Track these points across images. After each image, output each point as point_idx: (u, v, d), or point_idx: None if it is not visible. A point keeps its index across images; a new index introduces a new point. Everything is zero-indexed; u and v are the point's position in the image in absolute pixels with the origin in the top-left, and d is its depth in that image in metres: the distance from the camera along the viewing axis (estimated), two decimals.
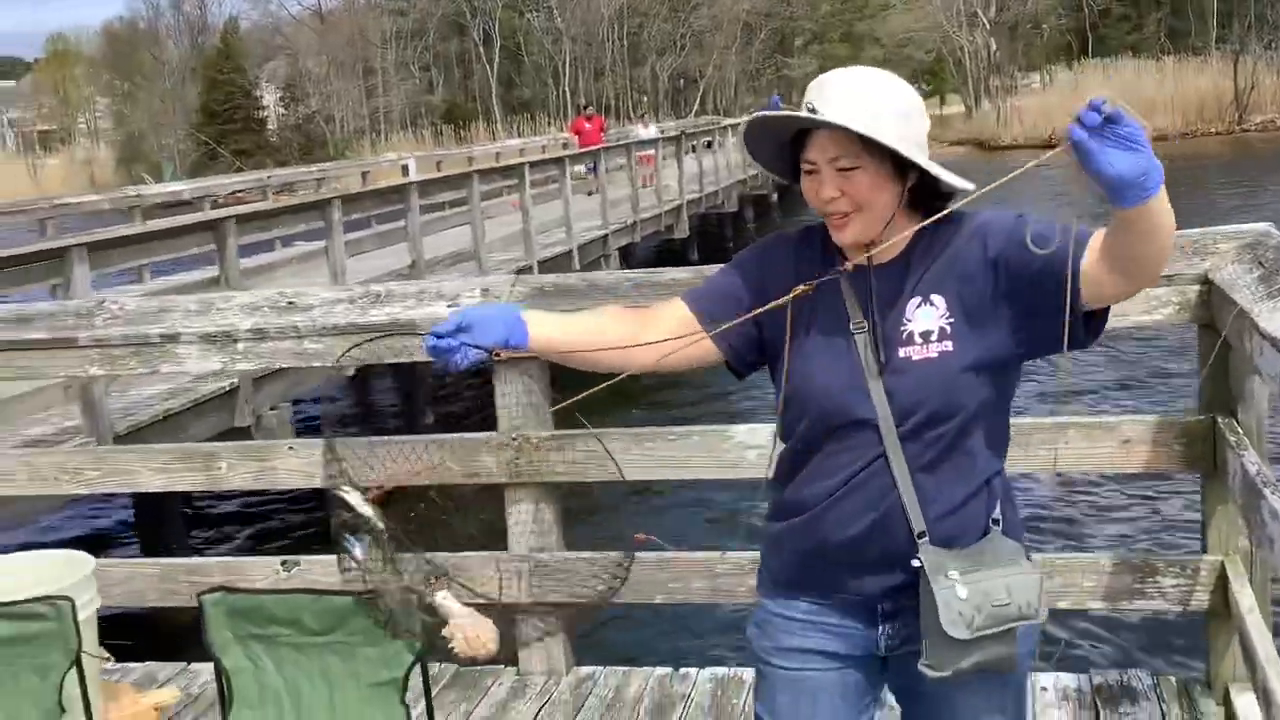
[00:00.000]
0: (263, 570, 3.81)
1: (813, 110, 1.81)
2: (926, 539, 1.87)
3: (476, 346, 1.85)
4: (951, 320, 1.85)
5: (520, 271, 10.50)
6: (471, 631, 2.56)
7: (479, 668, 3.78)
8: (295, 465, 3.77)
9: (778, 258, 1.99)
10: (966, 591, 1.84)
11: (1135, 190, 1.60)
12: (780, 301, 1.85)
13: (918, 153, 1.82)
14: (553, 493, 3.68)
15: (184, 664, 3.91)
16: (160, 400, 7.84)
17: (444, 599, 2.60)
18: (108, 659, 2.78)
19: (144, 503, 8.00)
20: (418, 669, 2.45)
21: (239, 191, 19.11)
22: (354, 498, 2.28)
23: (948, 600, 1.84)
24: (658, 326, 2.00)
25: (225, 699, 2.52)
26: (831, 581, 1.96)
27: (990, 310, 1.85)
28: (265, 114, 57.87)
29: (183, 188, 15.13)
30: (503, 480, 3.64)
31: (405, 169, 21.59)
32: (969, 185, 1.85)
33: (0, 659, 2.57)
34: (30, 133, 68.16)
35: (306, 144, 54.98)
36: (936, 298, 1.86)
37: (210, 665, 2.56)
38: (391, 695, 2.45)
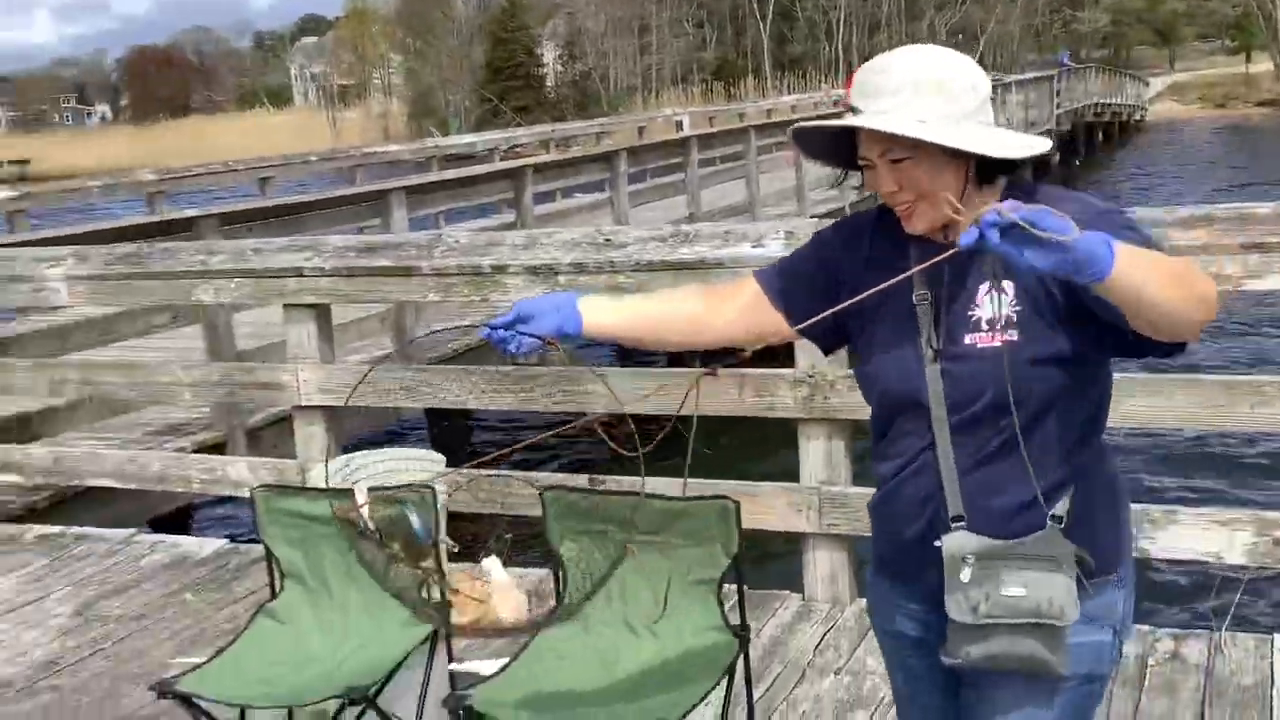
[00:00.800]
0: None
1: (854, 110, 1.80)
2: (963, 524, 1.82)
3: (532, 335, 1.97)
4: (1019, 309, 1.77)
5: None
6: (513, 599, 2.84)
7: (765, 591, 4.01)
8: (604, 392, 4.07)
9: (853, 236, 1.97)
10: (970, 574, 1.79)
11: (1079, 275, 1.53)
12: (857, 300, 1.79)
13: (967, 133, 1.76)
14: (844, 429, 3.83)
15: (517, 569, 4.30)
16: (461, 332, 8.41)
17: (491, 564, 2.88)
18: (454, 547, 3.13)
19: (439, 423, 8.61)
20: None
21: (518, 146, 19.93)
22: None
23: (953, 582, 1.81)
24: (730, 304, 2.04)
25: (559, 585, 2.82)
26: (903, 566, 1.95)
27: (1057, 305, 1.76)
28: (544, 71, 59.77)
29: (475, 139, 15.98)
30: (798, 415, 3.83)
31: (679, 124, 21.98)
32: (1034, 149, 1.78)
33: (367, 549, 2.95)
34: (331, 87, 72.79)
35: (582, 100, 56.52)
36: (1008, 283, 1.78)
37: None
38: (709, 594, 2.68)
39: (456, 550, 3.12)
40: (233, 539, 5.25)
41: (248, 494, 4.83)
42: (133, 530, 5.11)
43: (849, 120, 1.81)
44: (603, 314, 2.03)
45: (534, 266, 4.06)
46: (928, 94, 1.77)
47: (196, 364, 5.10)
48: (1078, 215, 1.61)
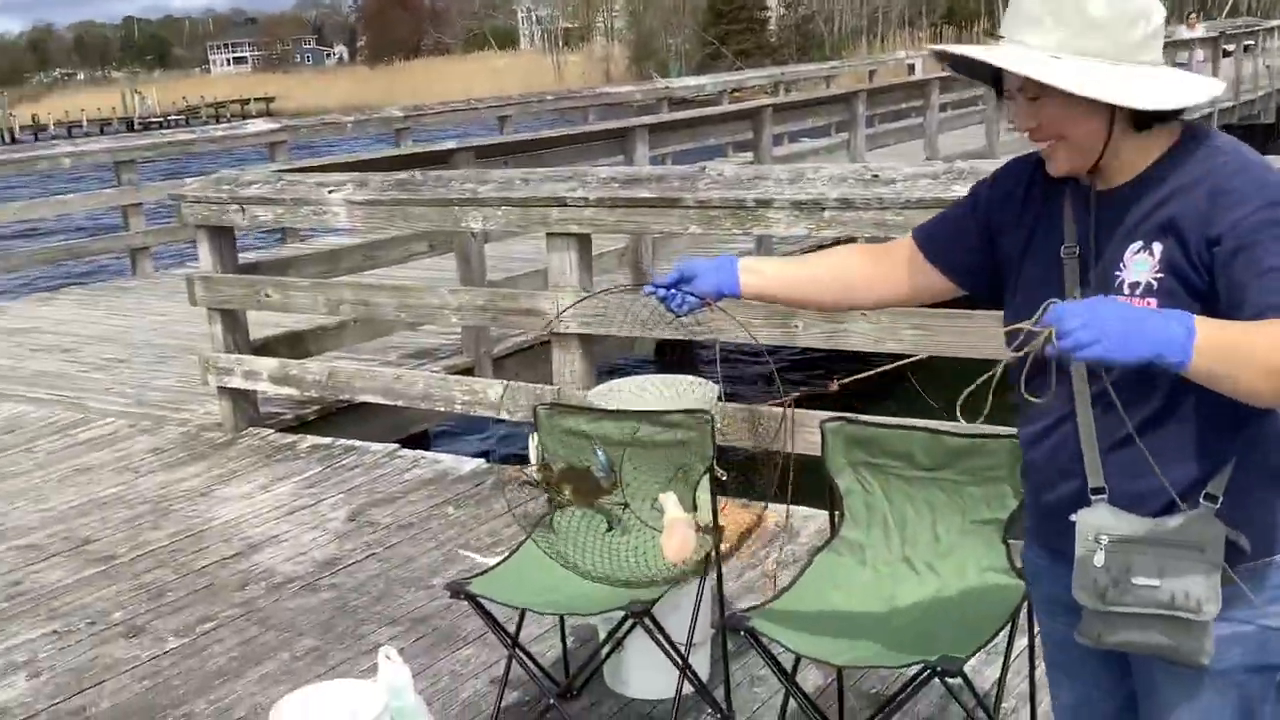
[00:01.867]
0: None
1: (997, 37, 1.70)
2: (1104, 497, 1.71)
3: (693, 294, 2.05)
4: (1160, 275, 1.65)
5: None
6: (678, 538, 2.78)
7: None
8: (866, 329, 4.03)
9: (1011, 183, 1.87)
10: (1103, 559, 1.68)
11: (1158, 365, 1.47)
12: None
13: (1098, 76, 1.61)
14: None
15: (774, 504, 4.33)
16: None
17: (667, 499, 2.82)
18: (723, 475, 3.17)
19: (670, 357, 8.70)
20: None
21: (737, 91, 19.75)
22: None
23: (1084, 563, 1.70)
24: (887, 263, 2.03)
25: (835, 517, 2.82)
26: (1047, 534, 1.86)
27: (1200, 282, 1.63)
28: (767, 14, 59.05)
29: (705, 81, 15.94)
30: None
31: (911, 68, 21.36)
32: (1191, 97, 1.63)
33: (653, 455, 3.02)
34: (556, 30, 73.85)
35: (804, 44, 55.62)
36: (1157, 245, 1.65)
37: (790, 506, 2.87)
38: (993, 534, 2.64)
39: (725, 479, 3.16)
40: (486, 458, 5.48)
41: (503, 416, 5.04)
42: (394, 445, 5.37)
43: (967, 49, 1.71)
44: (761, 275, 2.08)
45: (799, 201, 4.03)
46: (1071, 24, 1.64)
47: (463, 288, 5.29)
48: (1240, 197, 1.57)
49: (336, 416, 5.90)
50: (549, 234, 4.62)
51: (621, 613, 2.79)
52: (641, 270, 7.72)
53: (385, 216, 5.03)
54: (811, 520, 4.09)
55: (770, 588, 3.77)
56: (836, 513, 2.82)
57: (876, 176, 3.99)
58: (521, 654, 3.03)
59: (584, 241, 4.61)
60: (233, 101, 69.19)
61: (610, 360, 7.82)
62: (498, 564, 3.04)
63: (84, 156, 10.32)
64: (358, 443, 5.39)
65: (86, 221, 16.88)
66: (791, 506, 4.25)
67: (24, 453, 5.60)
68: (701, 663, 3.19)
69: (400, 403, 5.16)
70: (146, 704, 3.31)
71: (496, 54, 76.14)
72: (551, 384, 4.74)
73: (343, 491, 4.86)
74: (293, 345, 5.87)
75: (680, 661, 2.92)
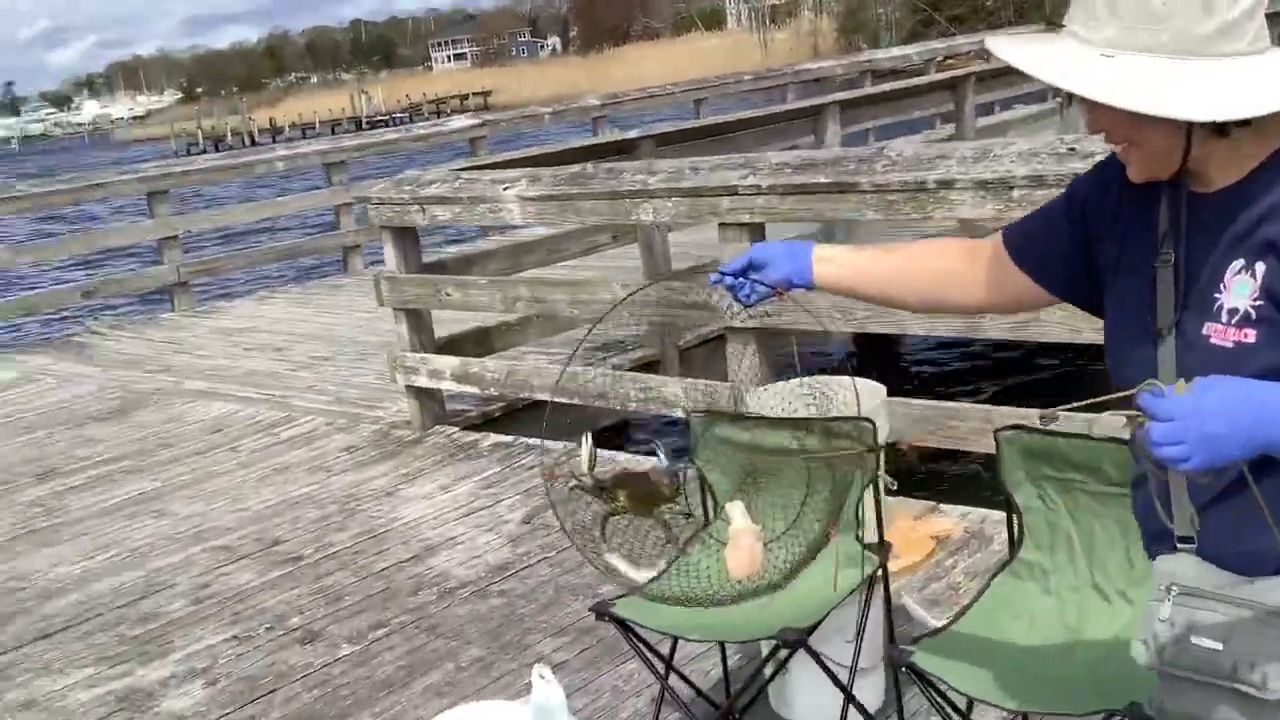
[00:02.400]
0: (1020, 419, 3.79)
1: (1059, 26, 1.49)
2: (1192, 547, 1.53)
3: (763, 283, 1.90)
4: (1259, 303, 1.42)
5: None
6: (744, 551, 2.45)
7: None
8: (1061, 317, 3.68)
9: (1106, 181, 1.64)
10: (1169, 611, 1.50)
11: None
12: None
13: (1145, 81, 1.37)
14: None
15: (964, 508, 4.06)
16: None
17: (734, 508, 2.54)
18: (892, 484, 2.93)
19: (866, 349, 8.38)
20: None
21: (949, 59, 18.98)
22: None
23: (1148, 615, 1.53)
24: (980, 264, 1.81)
25: (1015, 536, 2.54)
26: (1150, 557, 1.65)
27: None
28: None
29: (912, 50, 15.36)
30: None
31: None
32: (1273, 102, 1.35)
33: (808, 468, 2.81)
34: (762, 8, 73.21)
35: (1021, 6, 53.25)
36: (1260, 266, 1.41)
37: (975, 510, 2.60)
38: None
39: (894, 488, 2.91)
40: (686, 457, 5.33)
41: (679, 414, 4.90)
42: (576, 443, 5.29)
43: (999, 47, 1.49)
44: (837, 265, 1.91)
45: (985, 181, 3.71)
46: (1127, 16, 1.40)
47: (634, 283, 5.17)
48: None
49: (523, 413, 5.88)
50: (721, 224, 4.43)
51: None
52: None
53: (557, 211, 4.95)
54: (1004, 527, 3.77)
55: (956, 600, 3.50)
56: (1015, 531, 2.54)
57: (1073, 150, 3.63)
58: (677, 678, 2.87)
59: (757, 231, 4.40)
60: (452, 97, 71.58)
61: (797, 354, 7.56)
62: (648, 582, 2.88)
63: (296, 160, 10.72)
64: (538, 441, 5.34)
65: (320, 219, 17.67)
66: (983, 511, 3.96)
67: (229, 452, 5.80)
68: (874, 690, 2.95)
69: (576, 400, 5.07)
70: (313, 715, 3.31)
71: (704, 36, 76.12)
72: (727, 380, 4.56)
73: (520, 492, 4.81)
74: (478, 342, 5.88)
75: (844, 690, 2.70)
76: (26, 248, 10.79)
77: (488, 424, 5.80)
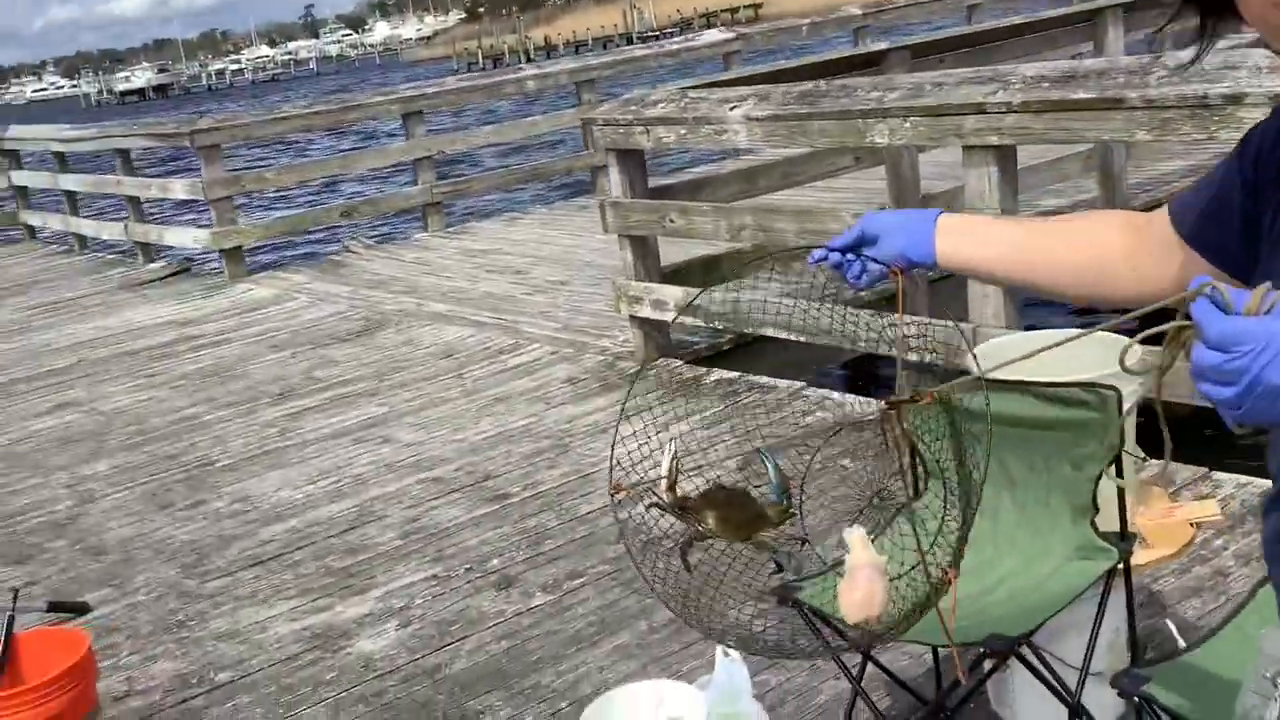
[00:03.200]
0: None
1: None
2: None
3: (876, 261, 1.60)
4: None
5: None
6: (866, 583, 1.84)
7: None
8: None
9: (1272, 135, 1.27)
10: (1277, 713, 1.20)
11: None
12: None
13: None
14: None
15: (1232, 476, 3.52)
16: (1178, 178, 7.26)
17: (854, 535, 1.93)
18: (1143, 459, 2.48)
19: None
20: None
21: None
22: None
23: (1243, 709, 1.26)
24: (1151, 235, 1.42)
25: None
26: None
27: None
28: None
29: None
30: None
31: None
32: None
33: (1036, 443, 2.39)
34: None
35: None
36: None
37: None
38: None
39: (1145, 462, 2.46)
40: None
41: (911, 358, 4.48)
42: (802, 383, 4.97)
43: None
44: (968, 241, 1.57)
45: None
46: None
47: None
48: None
49: (753, 348, 5.57)
50: (965, 147, 3.95)
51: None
52: (1112, 177, 6.68)
53: (785, 134, 4.57)
54: None
55: (1224, 589, 3.00)
56: None
57: None
58: (876, 667, 2.54)
59: (1006, 154, 3.90)
60: (722, 10, 70.81)
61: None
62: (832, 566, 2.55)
63: (546, 79, 10.64)
64: (765, 379, 5.04)
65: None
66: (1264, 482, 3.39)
67: (455, 379, 5.77)
68: (1107, 700, 2.53)
69: (802, 337, 4.72)
70: (498, 669, 3.17)
71: None
72: (968, 321, 4.11)
73: (739, 435, 4.51)
74: (707, 271, 5.59)
75: (1068, 704, 2.30)
76: (291, 168, 11.21)
77: (716, 358, 5.53)
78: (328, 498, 4.49)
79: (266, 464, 4.94)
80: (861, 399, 4.82)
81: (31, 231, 12.67)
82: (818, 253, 1.64)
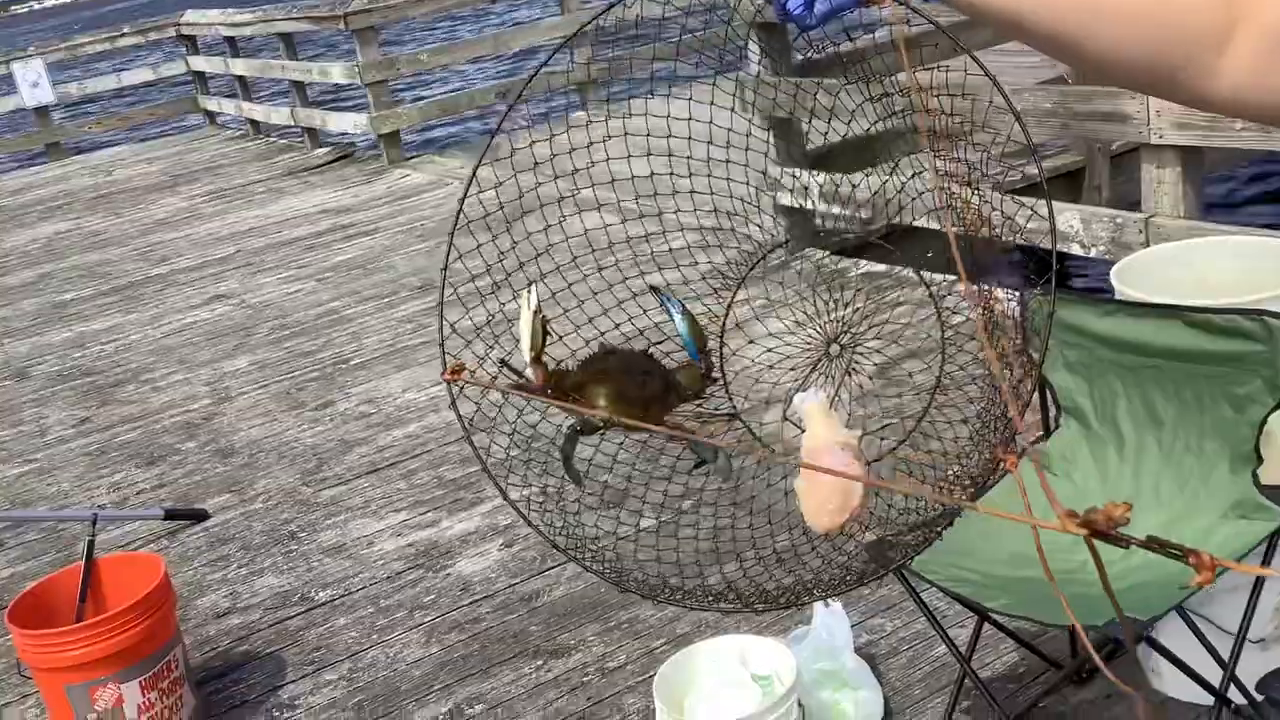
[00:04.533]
0: None
1: None
2: None
3: None
4: None
5: None
6: (834, 479, 1.22)
7: None
8: None
9: None
10: None
11: None
12: None
13: None
14: None
15: None
16: None
17: (811, 406, 1.32)
18: None
19: None
20: None
21: None
22: None
23: None
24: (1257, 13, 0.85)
25: None
26: None
27: None
28: None
29: None
30: None
31: None
32: None
33: (1189, 378, 2.01)
34: None
35: None
36: None
37: None
38: None
39: None
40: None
41: (1075, 250, 4.00)
42: (952, 277, 4.54)
43: None
44: None
45: None
46: None
47: (1029, 88, 4.22)
48: None
49: (906, 239, 5.14)
50: None
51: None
52: None
53: None
54: None
55: None
56: None
57: None
58: (995, 628, 2.24)
59: None
60: None
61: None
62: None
63: None
64: (911, 272, 4.63)
65: None
66: None
67: (594, 268, 5.54)
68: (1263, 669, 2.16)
69: (954, 229, 4.29)
70: (593, 602, 2.99)
71: None
72: (1139, 210, 3.62)
73: (880, 336, 4.16)
74: (858, 153, 5.16)
75: (1224, 668, 1.96)
76: (443, 49, 11.04)
77: (867, 248, 5.13)
78: (449, 401, 4.35)
79: (396, 363, 4.85)
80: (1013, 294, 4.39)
81: (211, 117, 12.95)
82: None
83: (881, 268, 4.80)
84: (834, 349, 1.62)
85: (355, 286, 6.02)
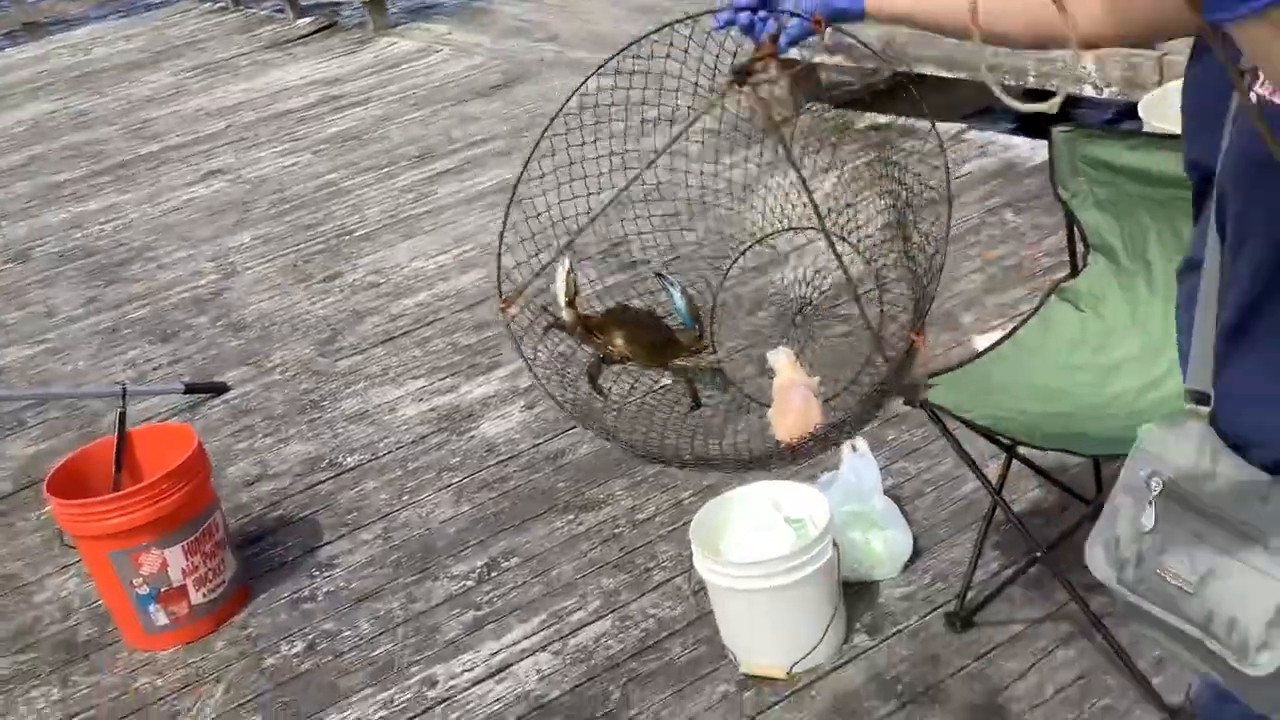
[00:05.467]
0: None
1: None
2: (1208, 410, 1.08)
3: (793, 14, 1.41)
4: None
5: None
6: (799, 406, 1.73)
7: None
8: None
9: None
10: (1149, 516, 1.09)
11: None
12: None
13: None
14: None
15: None
16: None
17: (779, 356, 1.85)
18: None
19: None
20: None
21: None
22: None
23: (1111, 508, 1.16)
24: None
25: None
26: None
27: None
28: None
29: None
30: None
31: None
32: None
33: None
34: None
35: None
36: None
37: None
38: None
39: None
40: None
41: (1088, 92, 3.97)
42: (964, 125, 4.52)
43: None
44: None
45: None
46: None
47: None
48: None
49: (920, 86, 5.08)
50: None
51: None
52: None
53: None
54: None
55: None
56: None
57: None
58: (1022, 463, 2.29)
59: None
60: None
61: None
62: (982, 353, 2.27)
63: None
64: (921, 124, 4.59)
65: None
66: None
67: (590, 132, 5.47)
68: None
69: (963, 75, 4.25)
70: (618, 459, 3.03)
71: None
72: (1154, 49, 3.58)
73: (887, 190, 4.15)
74: None
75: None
76: None
77: (872, 99, 5.08)
78: (459, 268, 4.36)
79: (401, 232, 4.83)
80: (1032, 140, 4.37)
81: None
82: (722, 16, 1.48)
83: (886, 119, 4.75)
84: (798, 319, 2.07)
85: (352, 158, 5.95)
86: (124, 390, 2.90)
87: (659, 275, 2.04)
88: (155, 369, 4.09)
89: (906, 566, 2.50)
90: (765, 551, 2.26)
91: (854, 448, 2.50)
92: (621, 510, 2.88)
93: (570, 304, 1.76)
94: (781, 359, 1.87)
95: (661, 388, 2.00)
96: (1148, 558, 1.11)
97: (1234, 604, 1.05)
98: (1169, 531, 1.09)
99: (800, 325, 2.04)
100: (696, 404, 1.95)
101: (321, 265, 4.69)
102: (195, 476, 2.67)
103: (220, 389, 3.76)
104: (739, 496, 2.39)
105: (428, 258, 4.51)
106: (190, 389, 3.68)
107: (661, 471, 2.93)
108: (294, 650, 2.68)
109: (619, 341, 1.77)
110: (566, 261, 1.80)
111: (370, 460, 3.28)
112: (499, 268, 1.74)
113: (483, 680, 2.50)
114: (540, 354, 1.84)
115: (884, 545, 2.45)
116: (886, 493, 2.55)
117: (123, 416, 2.74)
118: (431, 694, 2.49)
